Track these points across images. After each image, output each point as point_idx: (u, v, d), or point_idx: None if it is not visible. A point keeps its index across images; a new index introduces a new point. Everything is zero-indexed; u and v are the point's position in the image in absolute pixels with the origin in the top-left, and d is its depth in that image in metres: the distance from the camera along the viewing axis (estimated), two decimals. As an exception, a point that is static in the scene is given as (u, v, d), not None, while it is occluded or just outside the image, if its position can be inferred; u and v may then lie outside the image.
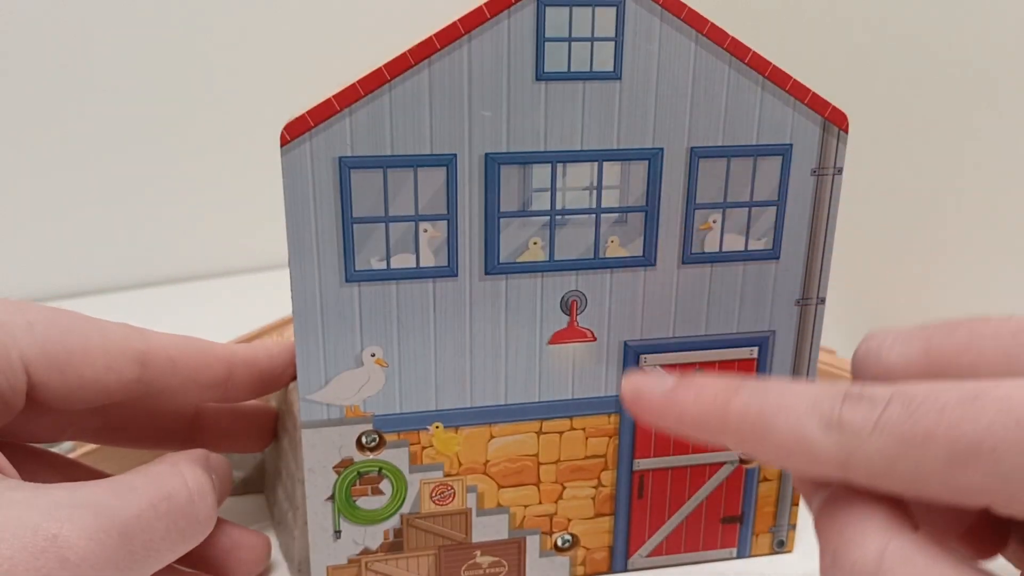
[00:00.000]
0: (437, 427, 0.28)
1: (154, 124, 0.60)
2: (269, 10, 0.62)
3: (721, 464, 0.31)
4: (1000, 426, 0.19)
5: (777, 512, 0.32)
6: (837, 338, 0.49)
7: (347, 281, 0.26)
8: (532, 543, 0.30)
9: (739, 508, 0.32)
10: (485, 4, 0.25)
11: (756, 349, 0.30)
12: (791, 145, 0.28)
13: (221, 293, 0.59)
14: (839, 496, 0.21)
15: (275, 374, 0.30)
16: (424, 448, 0.29)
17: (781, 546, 0.33)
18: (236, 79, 0.62)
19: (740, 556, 0.32)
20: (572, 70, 0.26)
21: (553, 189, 0.27)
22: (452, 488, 0.29)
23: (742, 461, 0.31)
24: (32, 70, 0.57)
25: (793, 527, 0.32)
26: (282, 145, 0.25)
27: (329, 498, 0.28)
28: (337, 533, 0.29)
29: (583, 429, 0.30)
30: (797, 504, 0.32)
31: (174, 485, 0.25)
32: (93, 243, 0.60)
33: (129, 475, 0.25)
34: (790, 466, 0.22)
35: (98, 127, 0.59)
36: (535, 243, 0.27)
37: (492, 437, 0.29)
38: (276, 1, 0.62)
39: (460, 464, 0.29)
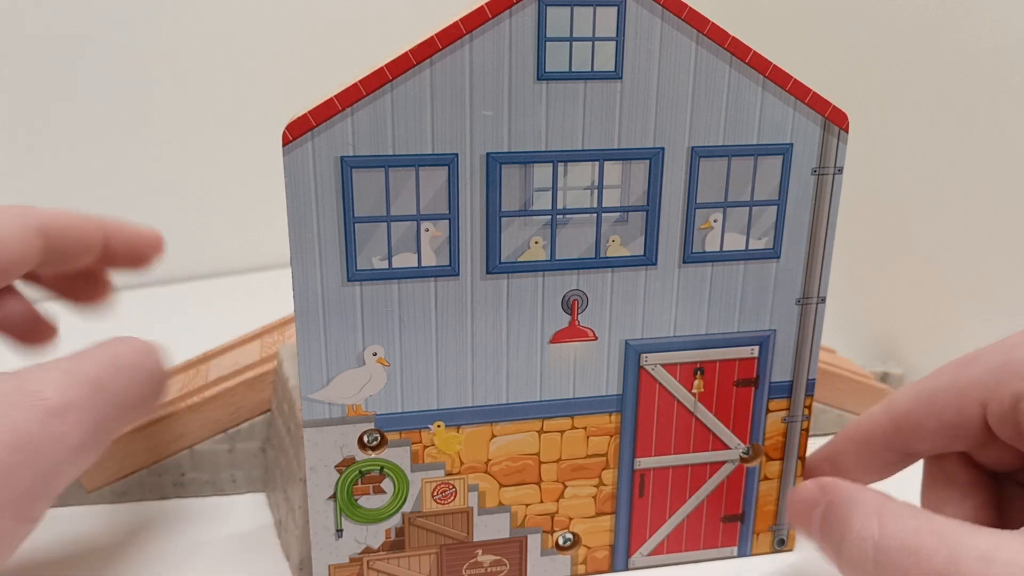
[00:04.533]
0: (439, 426, 0.28)
1: (154, 124, 0.60)
2: (269, 9, 0.62)
3: (722, 463, 0.31)
4: None
5: (778, 511, 0.32)
6: (837, 338, 0.49)
7: (349, 280, 0.26)
8: (533, 542, 0.31)
9: (740, 507, 0.32)
10: (487, 4, 0.25)
11: (757, 348, 0.30)
12: (792, 145, 0.28)
13: (221, 293, 0.59)
14: (833, 503, 0.26)
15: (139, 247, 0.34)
16: (426, 447, 0.29)
17: (782, 544, 0.33)
18: (237, 79, 0.62)
19: (741, 555, 0.32)
20: (573, 70, 0.26)
21: (554, 188, 0.27)
22: (453, 487, 0.29)
23: (743, 460, 0.31)
24: (31, 70, 0.57)
25: (788, 525, 0.33)
26: (284, 144, 0.25)
27: (331, 497, 0.28)
28: (339, 532, 0.29)
29: (584, 428, 0.30)
30: (798, 503, 0.32)
31: (116, 348, 0.28)
32: None
33: (82, 349, 0.28)
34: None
35: (98, 127, 0.59)
36: (536, 242, 0.27)
37: (493, 436, 0.29)
38: (276, 0, 0.62)
39: (461, 463, 0.29)
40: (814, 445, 0.32)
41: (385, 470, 0.29)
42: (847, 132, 0.28)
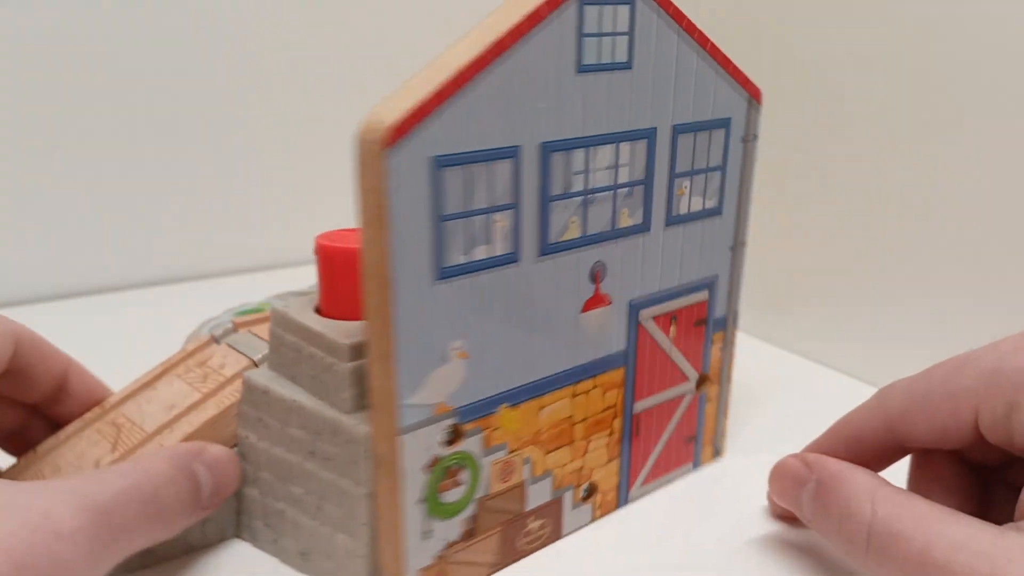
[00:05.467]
0: (504, 408, 0.30)
1: (154, 124, 0.60)
2: (267, 10, 0.62)
3: (684, 394, 0.36)
4: None
5: (716, 426, 0.39)
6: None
7: (438, 279, 0.27)
8: (567, 499, 0.33)
9: (695, 428, 0.37)
10: (543, 3, 0.27)
11: (707, 291, 0.36)
12: (731, 118, 0.34)
13: (221, 293, 0.57)
14: (824, 481, 0.28)
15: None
16: (493, 430, 0.30)
17: (718, 453, 0.39)
18: (237, 79, 0.62)
19: (695, 467, 0.38)
20: (600, 62, 0.29)
21: (587, 171, 0.30)
22: (513, 463, 0.31)
23: (697, 388, 0.37)
24: (32, 72, 0.56)
25: (723, 436, 0.39)
26: (387, 147, 0.24)
27: (421, 499, 0.28)
28: (427, 533, 0.29)
29: (602, 386, 0.33)
30: (727, 416, 0.39)
31: (137, 477, 0.27)
32: (93, 243, 0.61)
33: (100, 470, 0.28)
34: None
35: (98, 128, 0.59)
36: (573, 222, 0.30)
37: (542, 407, 0.31)
38: (272, 3, 0.63)
39: (519, 439, 0.31)
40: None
41: (463, 461, 0.29)
42: (760, 104, 0.35)
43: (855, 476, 0.28)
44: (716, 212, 0.35)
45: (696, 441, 0.38)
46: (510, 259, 0.28)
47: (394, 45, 0.65)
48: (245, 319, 0.37)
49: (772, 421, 0.43)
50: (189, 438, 0.31)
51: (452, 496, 0.29)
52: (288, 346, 0.31)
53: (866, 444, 0.31)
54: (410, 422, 0.27)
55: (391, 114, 0.25)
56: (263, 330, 0.36)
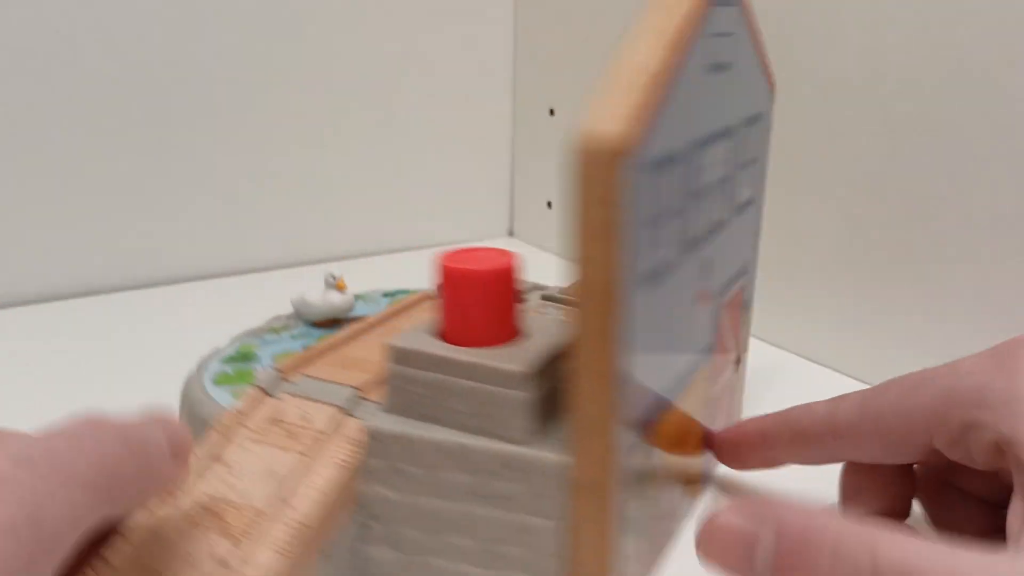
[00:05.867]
0: (662, 414, 0.29)
1: (154, 124, 0.61)
2: (267, 11, 0.62)
3: (729, 377, 0.38)
4: None
5: (741, 403, 0.41)
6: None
7: (644, 287, 0.26)
8: (681, 495, 0.33)
9: (734, 407, 0.39)
10: (694, 5, 0.27)
11: (746, 277, 0.38)
12: (764, 111, 0.36)
13: (221, 293, 0.58)
14: (794, 532, 0.23)
15: None
16: (657, 438, 0.29)
17: (740, 428, 0.41)
18: (239, 79, 0.62)
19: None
20: (718, 61, 0.29)
21: (708, 168, 0.30)
22: (663, 470, 0.30)
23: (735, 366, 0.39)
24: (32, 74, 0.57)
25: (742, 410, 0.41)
26: (623, 156, 0.23)
27: (621, 519, 0.27)
28: (624, 554, 0.28)
29: (700, 379, 0.33)
30: (744, 392, 0.41)
31: (71, 419, 0.23)
32: (93, 243, 0.61)
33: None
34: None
35: (99, 128, 0.59)
36: (698, 218, 0.30)
37: (678, 410, 0.31)
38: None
39: (667, 443, 0.30)
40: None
41: (647, 474, 0.28)
42: (774, 96, 0.37)
43: (827, 521, 0.23)
44: (754, 201, 0.37)
45: (731, 420, 0.40)
46: (674, 260, 0.28)
47: (386, 48, 0.65)
48: (288, 363, 0.32)
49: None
50: (322, 508, 0.27)
51: (636, 512, 0.28)
52: (423, 384, 0.28)
53: (810, 448, 0.31)
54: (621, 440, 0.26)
55: (619, 122, 0.23)
56: (320, 370, 0.32)
